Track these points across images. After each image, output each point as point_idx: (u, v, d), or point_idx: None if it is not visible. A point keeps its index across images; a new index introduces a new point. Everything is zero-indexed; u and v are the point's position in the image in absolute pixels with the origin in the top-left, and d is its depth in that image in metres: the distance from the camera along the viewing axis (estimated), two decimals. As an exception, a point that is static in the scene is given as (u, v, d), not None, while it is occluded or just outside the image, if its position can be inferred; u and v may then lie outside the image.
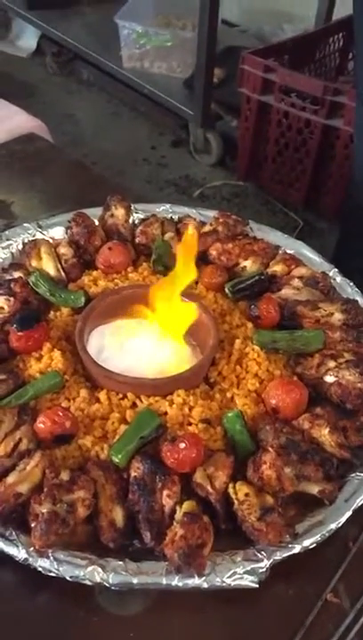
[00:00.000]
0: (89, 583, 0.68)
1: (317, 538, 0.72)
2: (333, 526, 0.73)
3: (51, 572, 0.69)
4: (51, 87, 2.86)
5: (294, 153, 2.22)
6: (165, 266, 0.99)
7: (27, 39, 2.98)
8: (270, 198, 2.35)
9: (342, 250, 1.69)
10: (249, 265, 1.01)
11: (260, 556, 0.70)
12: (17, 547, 0.70)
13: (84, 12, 2.81)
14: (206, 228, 1.04)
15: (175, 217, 1.08)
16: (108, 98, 2.80)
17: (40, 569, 0.69)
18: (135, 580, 0.68)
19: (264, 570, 0.70)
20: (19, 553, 0.69)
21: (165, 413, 0.82)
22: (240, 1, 2.82)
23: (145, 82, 2.52)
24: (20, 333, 0.87)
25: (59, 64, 2.90)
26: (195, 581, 0.68)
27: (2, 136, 1.25)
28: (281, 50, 2.25)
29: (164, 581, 0.68)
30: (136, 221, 1.07)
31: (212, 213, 1.08)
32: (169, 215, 1.08)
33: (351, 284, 1.00)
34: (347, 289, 0.99)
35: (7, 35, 3.03)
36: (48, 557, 0.69)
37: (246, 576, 0.69)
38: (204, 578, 0.68)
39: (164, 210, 1.09)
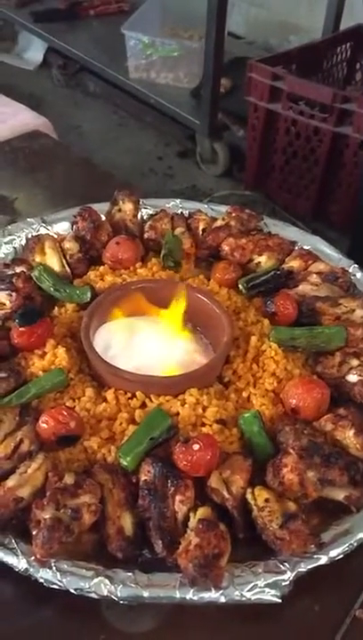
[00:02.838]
0: (95, 597, 0.62)
1: (344, 548, 0.67)
2: (361, 535, 0.67)
3: (53, 583, 0.63)
4: (57, 99, 2.84)
5: (302, 161, 2.19)
6: (175, 261, 0.94)
7: (33, 52, 2.98)
8: (277, 208, 2.31)
9: (353, 260, 1.64)
10: (264, 261, 0.96)
11: (282, 567, 0.64)
12: (16, 556, 0.64)
13: (90, 24, 2.81)
14: (218, 223, 1.00)
15: (185, 212, 1.03)
16: (115, 109, 2.78)
17: (42, 580, 0.63)
18: (146, 594, 0.62)
19: (287, 583, 0.64)
20: (18, 563, 0.64)
21: (177, 414, 0.76)
22: (247, 13, 2.82)
23: (151, 92, 2.50)
24: (21, 329, 0.82)
25: (65, 76, 2.89)
26: (211, 595, 0.62)
27: (6, 133, 1.22)
28: (288, 59, 2.23)
29: (177, 595, 0.62)
30: (145, 217, 1.02)
31: (224, 209, 1.03)
32: (179, 210, 1.03)
33: (372, 280, 0.95)
34: (368, 285, 0.94)
35: (14, 48, 3.03)
36: (50, 568, 0.63)
37: (267, 590, 0.63)
38: (221, 591, 0.62)
39: (173, 205, 1.05)
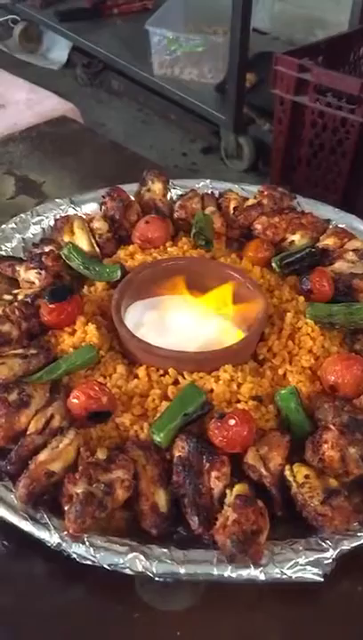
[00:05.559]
0: (130, 573, 0.60)
1: (389, 527, 0.63)
2: None
3: (86, 559, 0.61)
4: (81, 98, 2.84)
5: (329, 154, 2.15)
6: (206, 239, 0.92)
7: (58, 52, 3.00)
8: (304, 202, 2.28)
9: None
10: (298, 239, 0.93)
11: (325, 545, 0.62)
12: (49, 531, 0.62)
13: (114, 22, 2.81)
14: (250, 202, 0.97)
15: (216, 193, 1.01)
16: (139, 106, 2.78)
17: (74, 556, 0.61)
18: (182, 570, 0.60)
19: (330, 561, 0.61)
20: (51, 538, 0.62)
21: (211, 390, 0.74)
22: (272, 8, 2.80)
23: (176, 88, 2.49)
24: (51, 306, 0.80)
25: (89, 75, 2.90)
26: (251, 572, 0.60)
27: (33, 119, 1.22)
28: (315, 51, 2.20)
29: (215, 572, 0.60)
30: (174, 197, 1.01)
31: (255, 188, 1.01)
32: (209, 190, 1.01)
33: None
34: None
35: (39, 48, 3.06)
36: (84, 543, 0.61)
37: (308, 568, 0.60)
38: (261, 569, 0.60)
39: (204, 185, 1.03)
